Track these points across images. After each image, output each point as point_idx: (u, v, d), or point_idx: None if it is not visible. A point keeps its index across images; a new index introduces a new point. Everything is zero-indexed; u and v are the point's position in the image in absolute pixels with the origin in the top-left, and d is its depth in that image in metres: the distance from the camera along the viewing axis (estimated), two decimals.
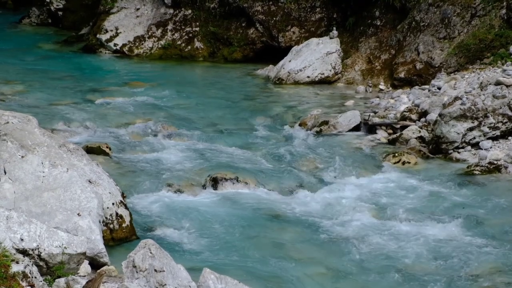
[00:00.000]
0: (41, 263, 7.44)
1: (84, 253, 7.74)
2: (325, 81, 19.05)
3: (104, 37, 22.72)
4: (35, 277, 7.02)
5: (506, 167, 12.65)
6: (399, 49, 18.90)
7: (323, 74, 19.09)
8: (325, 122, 15.04)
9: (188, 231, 10.07)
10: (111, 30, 22.80)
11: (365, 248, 9.69)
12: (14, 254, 7.17)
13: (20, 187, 8.57)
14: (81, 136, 14.09)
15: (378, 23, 19.88)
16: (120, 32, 22.76)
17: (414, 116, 14.90)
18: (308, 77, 18.98)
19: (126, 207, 9.77)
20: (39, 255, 7.44)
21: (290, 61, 19.37)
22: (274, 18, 21.73)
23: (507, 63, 15.77)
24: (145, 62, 21.71)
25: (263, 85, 19.14)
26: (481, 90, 14.18)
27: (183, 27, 22.66)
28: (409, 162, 13.14)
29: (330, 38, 19.73)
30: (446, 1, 18.47)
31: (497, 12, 17.62)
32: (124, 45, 22.54)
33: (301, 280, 8.83)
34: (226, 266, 8.83)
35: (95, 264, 8.11)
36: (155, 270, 6.86)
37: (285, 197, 11.70)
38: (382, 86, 18.24)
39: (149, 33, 22.70)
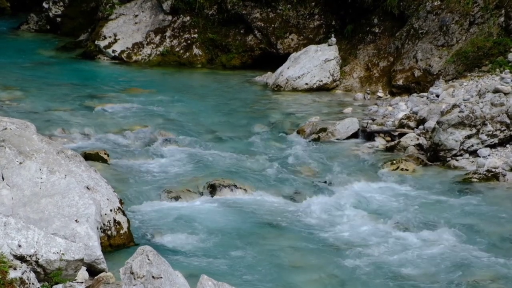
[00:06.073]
0: (38, 270, 7.43)
1: (81, 260, 7.73)
2: (323, 88, 19.06)
3: (102, 43, 22.71)
4: (33, 284, 7.02)
5: (504, 175, 12.65)
6: (398, 57, 18.92)
7: (321, 81, 19.09)
8: (323, 129, 15.04)
9: (185, 237, 10.06)
10: (110, 37, 22.79)
11: (363, 256, 9.68)
12: (12, 260, 7.16)
13: (18, 193, 8.55)
14: (79, 143, 14.08)
15: (377, 31, 19.90)
16: (119, 39, 22.75)
17: (412, 124, 14.90)
18: (307, 84, 18.99)
19: (124, 214, 9.76)
20: (36, 262, 7.43)
21: (288, 68, 19.38)
22: (273, 25, 21.75)
23: (505, 70, 15.79)
24: (143, 69, 21.70)
25: (261, 92, 19.14)
26: (479, 97, 14.20)
27: (181, 33, 22.67)
28: (407, 170, 13.14)
29: (329, 45, 19.74)
30: (445, 8, 18.50)
31: (496, 20, 17.65)
32: (122, 51, 22.53)
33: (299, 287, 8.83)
34: (224, 273, 8.82)
35: (93, 270, 8.10)
36: (153, 277, 6.85)
37: (283, 204, 11.69)
38: (380, 94, 18.25)
39: (148, 40, 22.70)
